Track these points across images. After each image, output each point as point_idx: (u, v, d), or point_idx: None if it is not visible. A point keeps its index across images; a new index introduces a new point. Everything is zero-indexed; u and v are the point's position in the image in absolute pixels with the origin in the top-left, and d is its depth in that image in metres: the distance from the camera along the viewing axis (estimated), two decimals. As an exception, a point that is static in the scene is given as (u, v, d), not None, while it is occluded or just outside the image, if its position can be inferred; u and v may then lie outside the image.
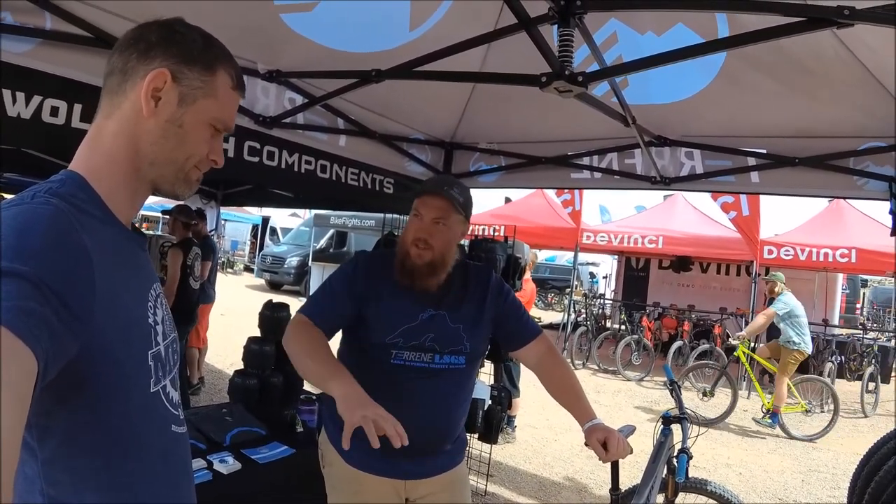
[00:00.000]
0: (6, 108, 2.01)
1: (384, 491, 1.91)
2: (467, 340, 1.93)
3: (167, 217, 5.96)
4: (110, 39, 2.08)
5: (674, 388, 3.27)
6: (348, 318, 1.91)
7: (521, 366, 5.63)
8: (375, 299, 1.91)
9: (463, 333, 1.93)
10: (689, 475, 3.00)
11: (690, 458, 2.75)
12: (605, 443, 1.84)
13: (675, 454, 2.81)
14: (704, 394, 7.72)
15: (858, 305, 20.92)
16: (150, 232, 12.79)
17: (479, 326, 1.98)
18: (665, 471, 2.86)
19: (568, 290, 15.85)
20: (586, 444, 1.90)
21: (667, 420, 3.05)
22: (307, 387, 3.77)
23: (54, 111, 2.14)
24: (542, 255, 24.58)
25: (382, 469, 1.89)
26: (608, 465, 2.12)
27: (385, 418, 1.45)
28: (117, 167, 0.95)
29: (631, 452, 1.92)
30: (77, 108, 2.19)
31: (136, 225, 1.07)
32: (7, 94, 2.01)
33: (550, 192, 12.40)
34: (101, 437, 0.87)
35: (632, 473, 3.41)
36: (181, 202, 6.19)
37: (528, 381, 5.25)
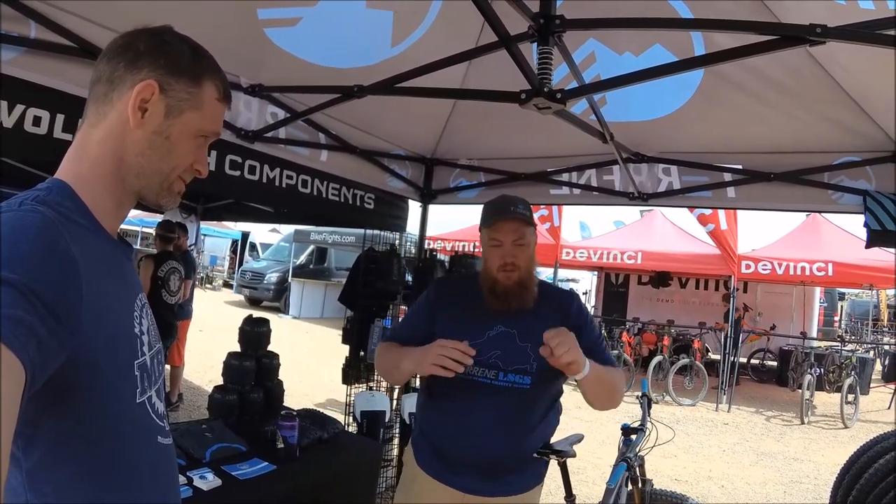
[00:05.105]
0: (-10, 116, 1.97)
1: (442, 497, 1.96)
2: (534, 360, 1.91)
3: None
4: (95, 50, 2.06)
5: (644, 400, 3.35)
6: (425, 338, 1.98)
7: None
8: (446, 317, 2.01)
9: (530, 353, 1.91)
10: (666, 488, 3.06)
11: (631, 467, 2.79)
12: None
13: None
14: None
15: (836, 318, 21.21)
16: (129, 247, 12.63)
17: None
18: (629, 483, 2.89)
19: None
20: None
21: (626, 431, 3.11)
22: (287, 402, 3.73)
23: (37, 121, 2.10)
24: (523, 271, 24.56)
25: (444, 476, 1.96)
26: (558, 475, 2.29)
27: (443, 347, 1.78)
28: (103, 177, 0.94)
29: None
30: (60, 118, 2.16)
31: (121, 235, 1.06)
32: (-9, 101, 1.97)
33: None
34: (86, 447, 0.86)
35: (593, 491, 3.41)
36: (166, 218, 6.17)
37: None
